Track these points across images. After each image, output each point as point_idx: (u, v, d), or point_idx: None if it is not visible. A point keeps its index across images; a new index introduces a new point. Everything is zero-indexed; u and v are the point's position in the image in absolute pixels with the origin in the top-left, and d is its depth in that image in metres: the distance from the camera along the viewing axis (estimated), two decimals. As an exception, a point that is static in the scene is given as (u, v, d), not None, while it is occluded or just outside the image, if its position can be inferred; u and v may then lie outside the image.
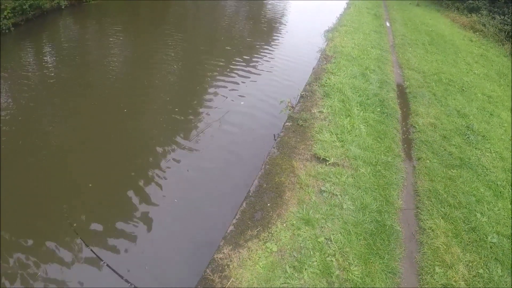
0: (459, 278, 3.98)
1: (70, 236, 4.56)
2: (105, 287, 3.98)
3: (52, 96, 7.82)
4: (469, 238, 4.53)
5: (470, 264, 4.18)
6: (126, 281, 3.29)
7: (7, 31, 10.49)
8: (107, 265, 3.45)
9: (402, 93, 8.53)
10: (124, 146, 6.42)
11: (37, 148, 6.12)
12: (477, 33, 16.08)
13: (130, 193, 5.39)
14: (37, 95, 7.76)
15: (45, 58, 9.91)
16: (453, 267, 4.08)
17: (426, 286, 3.88)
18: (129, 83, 8.81)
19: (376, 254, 4.08)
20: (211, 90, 8.58)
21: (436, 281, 3.92)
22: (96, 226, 4.82)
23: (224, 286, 3.41)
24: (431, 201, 5.04)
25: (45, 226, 4.79)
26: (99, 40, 11.70)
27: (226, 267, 3.70)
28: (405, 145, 6.39)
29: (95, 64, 9.65)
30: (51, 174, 5.67)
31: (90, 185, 5.48)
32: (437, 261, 4.14)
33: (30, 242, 4.55)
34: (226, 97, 8.16)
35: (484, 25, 16.37)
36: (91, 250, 3.85)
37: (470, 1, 18.62)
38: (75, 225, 4.68)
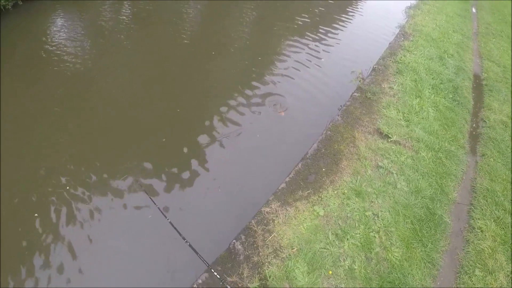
0: (497, 286, 3.43)
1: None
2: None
3: (132, 39, 7.41)
4: (517, 249, 3.88)
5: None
6: (183, 238, 3.03)
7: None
8: (170, 222, 3.18)
9: (478, 85, 7.25)
10: (202, 91, 5.96)
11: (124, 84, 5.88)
12: None
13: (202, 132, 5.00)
14: (115, 40, 7.31)
15: (124, 7, 9.11)
16: (493, 274, 3.52)
17: (461, 285, 3.40)
18: (212, 35, 8.21)
19: (419, 240, 3.61)
20: (286, 52, 7.64)
21: (473, 284, 3.41)
22: (158, 164, 4.43)
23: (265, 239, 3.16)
24: (487, 201, 4.33)
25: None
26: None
27: (271, 221, 3.44)
28: (471, 138, 5.50)
29: (177, 19, 8.80)
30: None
31: (179, 110, 5.24)
32: (478, 264, 3.59)
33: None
34: (298, 62, 7.24)
35: None
36: (158, 208, 3.48)
37: None
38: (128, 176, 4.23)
